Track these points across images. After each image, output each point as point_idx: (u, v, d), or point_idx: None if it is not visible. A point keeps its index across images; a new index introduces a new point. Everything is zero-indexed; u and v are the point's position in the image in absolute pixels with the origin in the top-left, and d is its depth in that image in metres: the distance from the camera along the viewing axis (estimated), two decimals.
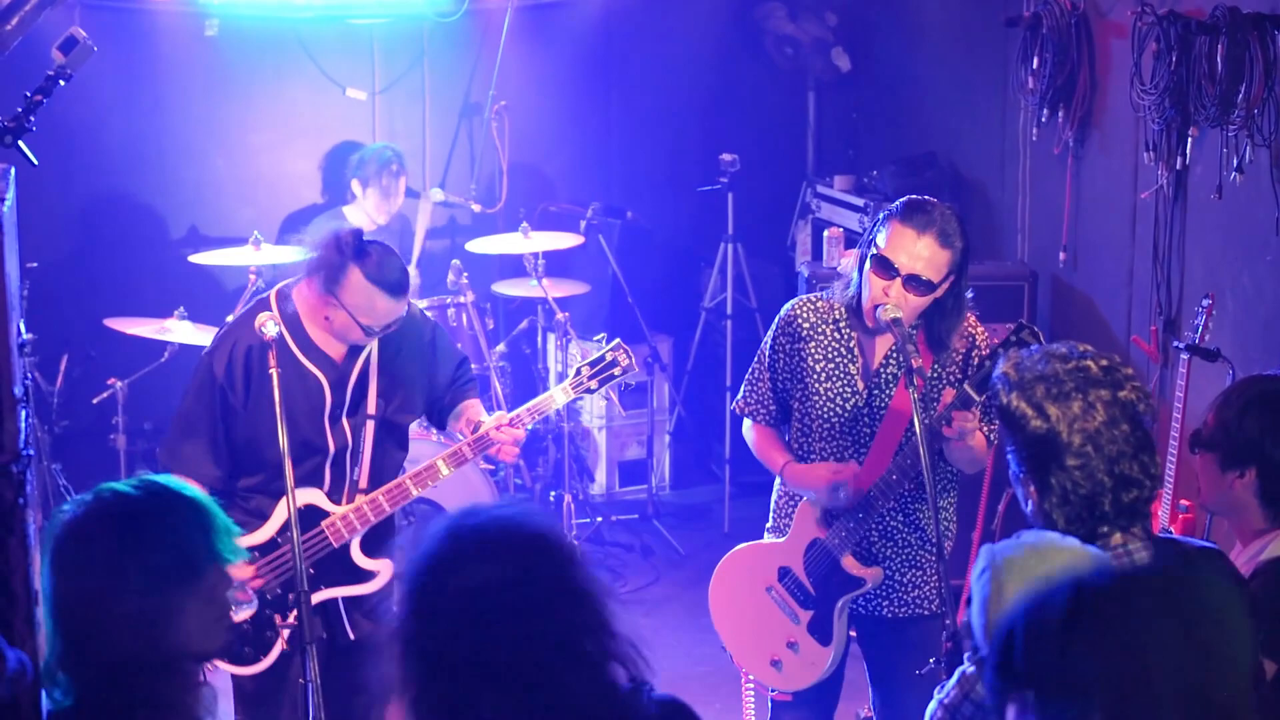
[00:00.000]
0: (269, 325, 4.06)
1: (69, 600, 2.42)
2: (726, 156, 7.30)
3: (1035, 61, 6.45)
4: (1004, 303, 6.31)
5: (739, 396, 4.31)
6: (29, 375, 2.98)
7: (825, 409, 4.09)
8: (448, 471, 4.37)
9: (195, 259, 6.60)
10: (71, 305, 6.98)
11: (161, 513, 2.43)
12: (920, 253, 3.86)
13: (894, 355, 4.04)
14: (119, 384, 6.43)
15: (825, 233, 7.17)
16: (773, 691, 4.31)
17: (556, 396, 4.54)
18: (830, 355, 4.09)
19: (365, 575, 4.39)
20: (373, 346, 4.35)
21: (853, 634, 4.25)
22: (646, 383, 7.54)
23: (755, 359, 4.25)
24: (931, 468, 3.76)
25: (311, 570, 4.24)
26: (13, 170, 2.87)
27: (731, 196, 7.32)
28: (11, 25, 3.25)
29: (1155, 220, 5.84)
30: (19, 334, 2.70)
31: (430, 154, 7.85)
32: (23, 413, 2.54)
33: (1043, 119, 6.50)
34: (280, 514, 4.26)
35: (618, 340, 4.63)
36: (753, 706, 4.57)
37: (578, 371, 4.58)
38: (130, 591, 2.39)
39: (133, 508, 2.44)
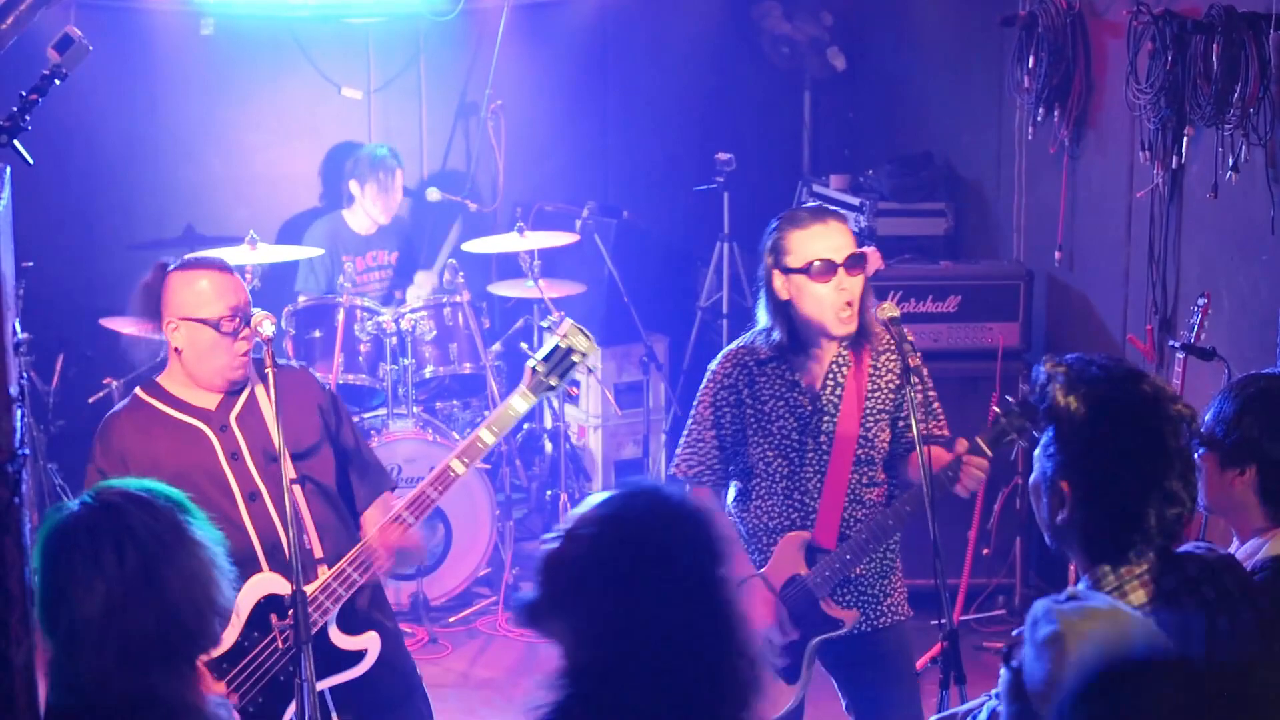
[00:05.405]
0: (265, 325, 3.73)
1: (63, 604, 2.45)
2: (722, 156, 7.29)
3: (1031, 61, 6.45)
4: (1000, 302, 6.32)
5: (677, 461, 4.09)
6: (25, 374, 2.98)
7: (781, 445, 4.04)
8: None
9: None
10: (67, 305, 6.96)
11: (146, 513, 2.52)
12: (836, 236, 3.92)
13: (830, 377, 4.03)
14: (115, 384, 6.42)
15: None
16: None
17: (515, 404, 3.86)
18: (778, 393, 4.04)
19: (351, 658, 3.86)
20: (260, 396, 3.91)
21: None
22: (642, 382, 7.53)
23: (691, 419, 4.09)
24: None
25: (289, 669, 3.69)
26: (8, 170, 2.87)
27: (727, 196, 7.31)
28: (7, 24, 3.25)
29: (1151, 219, 5.84)
30: (15, 333, 2.69)
31: (426, 153, 7.85)
32: (18, 412, 2.54)
33: (1038, 118, 6.50)
34: (241, 611, 3.72)
35: (567, 321, 3.95)
36: None
37: (532, 371, 3.89)
38: (126, 588, 2.42)
39: (120, 511, 2.51)
